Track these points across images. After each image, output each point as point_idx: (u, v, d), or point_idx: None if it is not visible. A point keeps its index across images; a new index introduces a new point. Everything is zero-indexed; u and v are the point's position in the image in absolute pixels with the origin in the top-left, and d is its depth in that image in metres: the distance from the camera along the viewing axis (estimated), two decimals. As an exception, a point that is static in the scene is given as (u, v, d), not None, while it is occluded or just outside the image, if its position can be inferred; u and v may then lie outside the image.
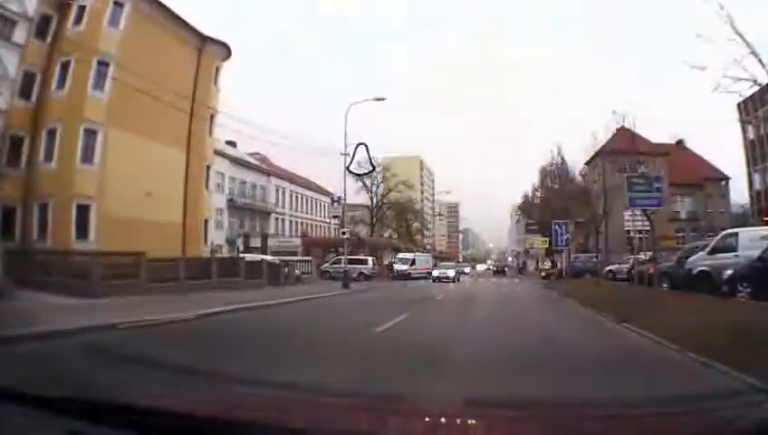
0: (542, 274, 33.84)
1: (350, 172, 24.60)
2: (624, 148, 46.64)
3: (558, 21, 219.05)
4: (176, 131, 30.83)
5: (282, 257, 32.22)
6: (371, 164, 24.99)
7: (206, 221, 31.57)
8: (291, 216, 61.75)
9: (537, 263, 56.53)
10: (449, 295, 21.95)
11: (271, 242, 44.01)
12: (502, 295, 21.80)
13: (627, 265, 25.49)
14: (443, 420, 2.32)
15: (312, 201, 68.56)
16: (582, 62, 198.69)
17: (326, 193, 72.55)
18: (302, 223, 63.73)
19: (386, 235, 65.42)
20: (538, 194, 48.69)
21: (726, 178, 55.45)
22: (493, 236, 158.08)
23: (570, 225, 27.72)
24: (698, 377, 5.74)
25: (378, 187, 56.61)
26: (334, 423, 2.07)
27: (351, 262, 36.34)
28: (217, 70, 34.62)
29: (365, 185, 56.61)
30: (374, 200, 56.72)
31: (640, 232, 45.69)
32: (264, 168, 59.74)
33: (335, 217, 30.11)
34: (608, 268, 28.24)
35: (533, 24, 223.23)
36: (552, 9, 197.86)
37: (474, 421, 2.28)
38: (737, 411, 2.22)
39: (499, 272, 68.53)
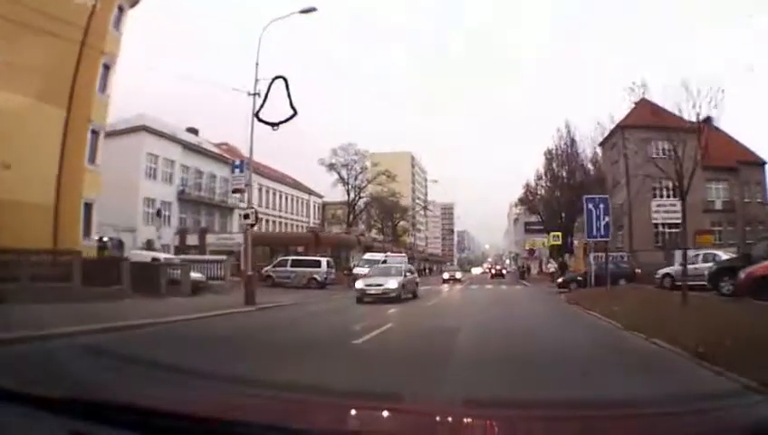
0: (559, 280, 23.96)
1: (260, 120, 15.12)
2: (647, 122, 36.61)
3: (557, 12, 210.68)
4: (52, 82, 21.45)
5: (190, 257, 22.97)
6: (292, 107, 15.05)
7: (88, 205, 22.02)
8: (260, 213, 52.01)
9: (541, 266, 46.56)
10: (397, 328, 10.90)
11: (210, 239, 34.46)
12: (509, 330, 10.33)
13: (697, 266, 15.73)
14: (443, 419, 2.21)
15: (287, 198, 59.00)
16: (584, 48, 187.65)
17: (307, 190, 63.15)
18: (274, 221, 54.01)
19: (369, 235, 55.72)
20: (542, 183, 38.89)
21: (763, 162, 45.04)
22: (490, 239, 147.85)
23: (610, 200, 17.72)
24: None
25: (356, 178, 46.84)
26: (334, 423, 2.03)
27: (300, 264, 26.80)
28: (121, 10, 25.11)
29: (340, 175, 46.95)
30: (351, 194, 46.91)
31: (671, 226, 36.06)
32: (225, 157, 50.12)
33: (236, 191, 20.76)
34: (663, 271, 18.54)
35: (530, 15, 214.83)
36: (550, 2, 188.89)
37: (474, 421, 2.19)
38: (737, 411, 2.25)
39: (497, 275, 58.74)
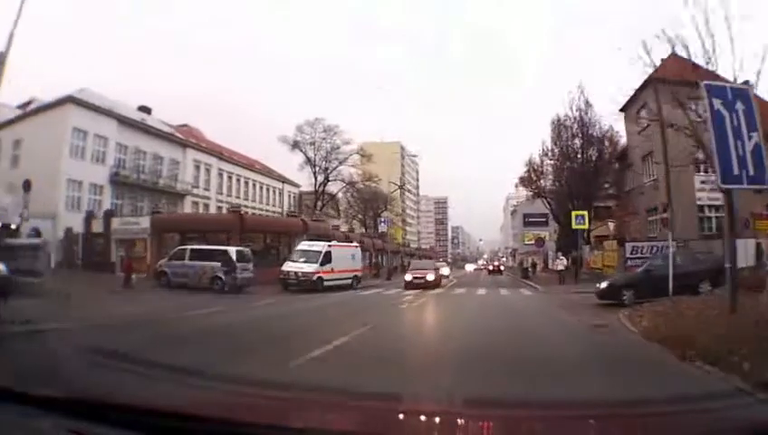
0: (602, 285, 14.18)
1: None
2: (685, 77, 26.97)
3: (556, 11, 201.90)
4: None
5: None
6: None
7: None
8: (219, 200, 43.03)
9: (545, 262, 37.30)
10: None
11: (115, 223, 25.62)
12: None
13: None
14: (443, 419, 2.09)
15: (257, 186, 50.04)
16: (585, 45, 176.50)
17: (280, 178, 54.21)
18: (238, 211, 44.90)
19: (347, 228, 46.71)
20: (549, 160, 29.68)
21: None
22: (486, 237, 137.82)
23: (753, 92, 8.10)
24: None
25: (325, 159, 37.69)
26: (334, 423, 1.96)
27: (201, 256, 17.82)
28: None
29: (306, 156, 37.78)
30: (318, 177, 37.79)
31: (717, 209, 26.91)
32: (176, 136, 41.20)
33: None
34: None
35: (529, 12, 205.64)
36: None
37: (473, 421, 2.04)
38: (737, 411, 2.19)
39: (494, 272, 50.52)
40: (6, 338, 6.67)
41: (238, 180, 47.43)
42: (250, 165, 49.93)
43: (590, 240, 25.66)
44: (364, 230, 48.07)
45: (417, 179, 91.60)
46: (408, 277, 22.76)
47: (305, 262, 19.49)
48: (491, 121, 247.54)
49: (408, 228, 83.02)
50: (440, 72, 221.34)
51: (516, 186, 31.68)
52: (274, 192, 53.36)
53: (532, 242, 41.18)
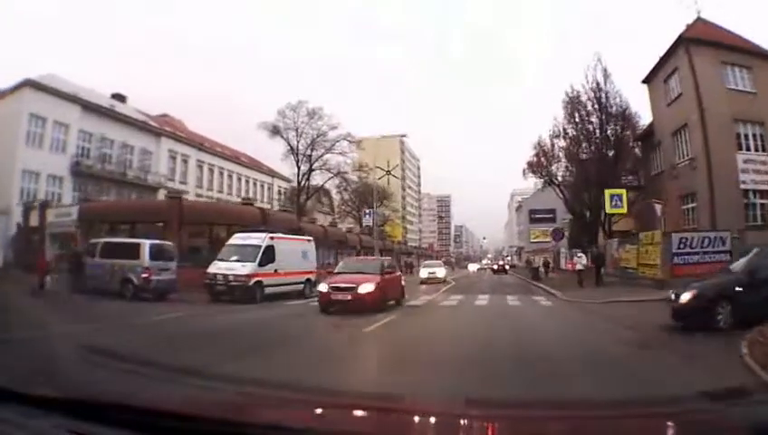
0: (681, 298, 9.20)
1: None
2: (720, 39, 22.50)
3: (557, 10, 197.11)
4: None
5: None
6: None
7: None
8: (198, 195, 38.99)
9: (556, 261, 32.71)
10: None
11: (50, 215, 21.68)
12: None
13: None
14: (443, 419, 2.04)
15: (241, 179, 46.17)
16: (587, 42, 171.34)
17: (269, 172, 50.21)
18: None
19: (342, 227, 42.60)
20: (561, 142, 25.27)
21: None
22: (490, 236, 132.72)
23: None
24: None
25: (309, 146, 33.41)
26: (334, 423, 1.90)
27: (113, 252, 13.63)
28: None
29: (289, 144, 33.47)
30: (301, 166, 33.50)
31: (762, 194, 22.08)
32: (149, 125, 37.13)
33: None
34: None
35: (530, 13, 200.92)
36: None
37: (474, 421, 1.99)
38: (737, 411, 2.06)
39: (500, 271, 47.78)
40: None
41: (221, 173, 43.36)
42: (235, 157, 45.93)
43: (611, 234, 21.31)
44: (359, 227, 43.93)
45: (419, 176, 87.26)
46: (323, 288, 12.33)
47: (238, 261, 14.33)
48: (491, 121, 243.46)
49: (408, 226, 78.70)
50: (440, 72, 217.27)
51: (524, 172, 27.33)
52: (262, 186, 49.32)
53: (539, 240, 36.78)
